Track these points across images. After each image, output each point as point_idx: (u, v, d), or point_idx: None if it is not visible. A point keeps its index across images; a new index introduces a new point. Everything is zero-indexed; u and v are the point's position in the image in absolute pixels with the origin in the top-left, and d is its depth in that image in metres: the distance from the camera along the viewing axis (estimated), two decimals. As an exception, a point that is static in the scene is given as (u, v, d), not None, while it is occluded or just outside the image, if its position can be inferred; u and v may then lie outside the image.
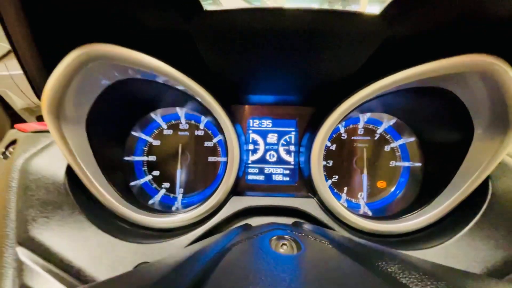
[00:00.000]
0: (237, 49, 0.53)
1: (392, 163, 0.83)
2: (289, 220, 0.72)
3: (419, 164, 0.80)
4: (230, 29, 0.48)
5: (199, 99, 0.63)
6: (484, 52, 0.49)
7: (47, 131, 0.65)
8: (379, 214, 0.80)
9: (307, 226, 0.61)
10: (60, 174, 0.62)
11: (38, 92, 0.55)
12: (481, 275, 0.29)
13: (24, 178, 0.61)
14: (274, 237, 0.46)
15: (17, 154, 0.66)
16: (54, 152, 0.64)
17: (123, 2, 0.44)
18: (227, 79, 0.65)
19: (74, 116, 0.59)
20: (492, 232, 0.60)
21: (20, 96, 2.67)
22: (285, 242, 0.45)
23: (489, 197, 0.62)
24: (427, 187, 0.76)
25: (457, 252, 0.60)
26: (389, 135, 0.84)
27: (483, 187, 0.63)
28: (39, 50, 0.48)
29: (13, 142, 0.76)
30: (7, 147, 0.76)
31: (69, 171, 0.62)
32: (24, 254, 0.57)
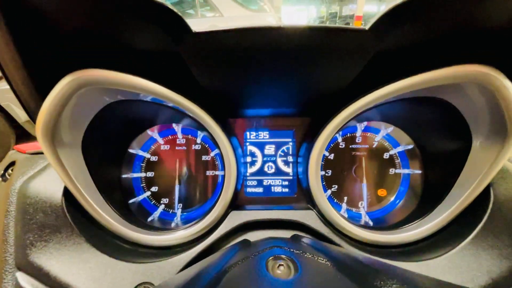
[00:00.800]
0: (229, 68, 0.53)
1: (392, 171, 0.83)
2: (289, 233, 0.71)
3: (419, 172, 0.79)
4: (219, 49, 0.48)
5: (193, 116, 0.63)
6: (478, 62, 0.49)
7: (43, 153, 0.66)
8: (381, 223, 0.79)
9: (305, 240, 0.60)
10: (57, 196, 0.62)
11: (32, 117, 0.56)
12: None
13: (22, 202, 0.61)
14: (271, 258, 0.45)
15: (15, 177, 0.66)
16: (51, 174, 0.65)
17: (113, 27, 0.45)
18: (220, 96, 0.65)
19: (69, 139, 0.59)
20: (495, 241, 0.59)
21: (23, 109, 2.70)
22: (282, 263, 0.44)
23: (491, 205, 0.61)
24: (427, 196, 0.75)
25: (461, 263, 0.59)
26: (387, 143, 0.83)
27: (485, 194, 0.62)
28: (30, 77, 0.49)
29: (13, 163, 0.77)
30: (6, 169, 0.77)
31: (66, 192, 0.62)
32: (23, 279, 0.57)
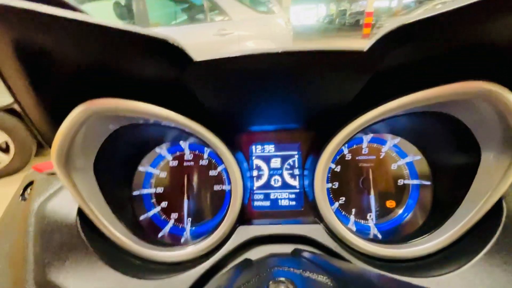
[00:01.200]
0: (231, 92, 0.54)
1: (400, 182, 0.81)
2: (295, 247, 0.72)
3: (428, 183, 0.77)
4: (221, 75, 0.49)
5: (198, 136, 0.65)
6: (482, 78, 0.48)
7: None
8: (390, 235, 0.78)
9: (306, 255, 0.60)
10: (72, 216, 0.65)
11: (48, 143, 0.59)
12: None
13: (40, 222, 0.65)
14: (271, 282, 0.46)
15: (33, 198, 0.70)
16: (66, 195, 0.68)
17: (119, 62, 0.47)
18: (225, 117, 0.67)
19: (82, 163, 0.62)
20: (509, 256, 0.57)
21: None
22: (282, 287, 0.44)
23: (504, 218, 0.59)
24: (437, 209, 0.73)
25: (474, 279, 0.57)
26: (394, 153, 0.82)
27: (497, 207, 0.60)
28: (45, 110, 0.52)
29: (31, 183, 0.81)
30: (25, 188, 0.81)
31: (80, 212, 0.65)
32: (41, 298, 0.60)
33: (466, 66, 0.49)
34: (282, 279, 0.45)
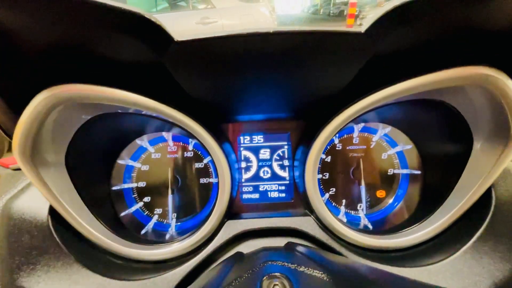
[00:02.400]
0: (216, 77, 0.49)
1: (391, 171, 0.81)
2: (286, 240, 0.69)
3: (418, 172, 0.77)
4: (205, 57, 0.45)
5: (181, 125, 0.60)
6: (479, 63, 0.46)
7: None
8: (380, 225, 0.78)
9: (300, 249, 0.58)
10: (42, 215, 0.59)
11: (9, 135, 0.52)
12: None
13: (6, 223, 0.58)
14: (265, 277, 0.43)
15: (-2, 196, 0.63)
16: (35, 192, 0.61)
17: (87, 40, 0.41)
18: (210, 105, 0.62)
19: (51, 157, 0.56)
20: (497, 244, 0.58)
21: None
22: (277, 282, 0.42)
23: (492, 207, 0.59)
24: (427, 198, 0.73)
25: (463, 268, 0.58)
26: (385, 143, 0.81)
27: (486, 196, 0.60)
28: (3, 94, 0.45)
29: (-4, 179, 0.73)
30: (-11, 185, 0.73)
31: (52, 211, 0.59)
32: (11, 305, 0.55)
33: (462, 51, 0.47)
34: (277, 274, 0.43)
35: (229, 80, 0.51)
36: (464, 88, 0.53)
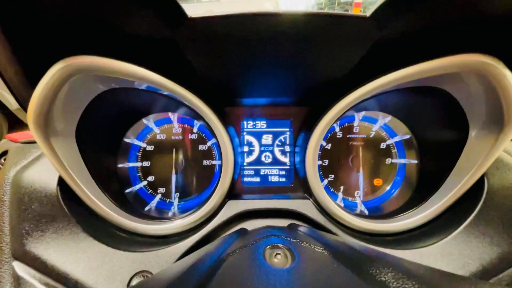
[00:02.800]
0: (225, 55, 0.51)
1: (388, 161, 0.83)
2: (285, 222, 0.72)
3: (415, 161, 0.80)
4: (216, 35, 0.46)
5: (189, 105, 0.62)
6: (478, 51, 0.48)
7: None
8: (376, 212, 0.81)
9: (302, 229, 0.61)
10: (52, 185, 0.62)
11: (23, 106, 0.54)
12: (473, 279, 0.29)
13: (16, 191, 0.61)
14: (268, 247, 0.46)
15: (8, 166, 0.65)
16: (45, 164, 0.64)
17: (103, 11, 0.43)
18: (217, 84, 0.64)
19: (63, 128, 0.58)
20: (487, 229, 0.60)
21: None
22: (279, 252, 0.44)
23: (484, 194, 0.62)
24: (423, 185, 0.76)
25: (453, 251, 0.60)
26: (384, 133, 0.83)
27: (479, 184, 0.62)
28: (21, 65, 0.47)
29: (5, 153, 0.75)
30: (-2, 158, 0.75)
31: (61, 182, 0.62)
32: (20, 269, 0.57)
33: (462, 38, 0.49)
34: (279, 245, 0.45)
35: (238, 58, 0.53)
36: (462, 76, 0.55)
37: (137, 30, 0.46)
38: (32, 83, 0.49)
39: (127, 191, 0.79)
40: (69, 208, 0.61)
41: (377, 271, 0.33)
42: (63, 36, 0.46)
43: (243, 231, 0.64)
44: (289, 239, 0.49)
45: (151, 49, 0.51)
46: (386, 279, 0.31)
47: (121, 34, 0.46)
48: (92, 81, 0.57)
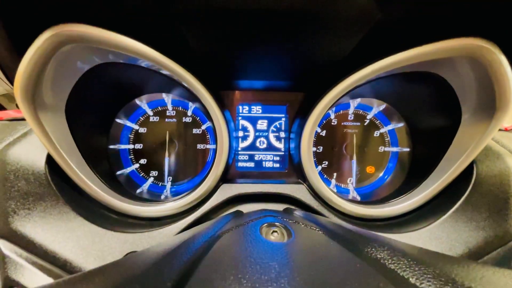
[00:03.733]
0: (223, 30, 0.50)
1: (381, 149, 0.84)
2: (279, 207, 0.72)
3: (408, 149, 0.81)
4: (215, 9, 0.45)
5: (186, 85, 0.61)
6: (475, 35, 0.49)
7: (24, 119, 0.62)
8: (368, 198, 0.82)
9: (297, 212, 0.61)
10: (40, 163, 0.59)
11: (10, 78, 0.51)
12: (465, 260, 0.30)
13: (1, 168, 0.58)
14: (265, 224, 0.46)
15: (-8, 143, 0.62)
16: (33, 141, 0.61)
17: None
18: (214, 63, 0.62)
19: (52, 103, 0.56)
20: (474, 214, 0.62)
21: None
22: (276, 229, 0.44)
23: (473, 180, 0.64)
24: (414, 172, 0.77)
25: (441, 234, 0.62)
26: (378, 121, 0.84)
27: (468, 171, 0.64)
28: (7, 32, 0.44)
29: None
30: (-19, 136, 0.72)
31: (50, 160, 0.59)
32: (6, 247, 0.55)
33: (459, 22, 0.49)
34: (276, 223, 0.45)
35: (234, 34, 0.51)
36: (457, 61, 0.56)
37: (134, 1, 0.44)
38: (19, 52, 0.47)
39: (118, 173, 0.78)
40: (58, 187, 0.59)
41: (373, 249, 0.34)
42: (53, 1, 0.44)
43: (239, 213, 0.64)
44: (285, 219, 0.49)
45: (148, 22, 0.49)
46: (382, 256, 0.31)
47: (117, 4, 0.44)
48: (86, 53, 0.54)
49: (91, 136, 0.69)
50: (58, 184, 0.60)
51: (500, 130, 0.76)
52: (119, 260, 0.34)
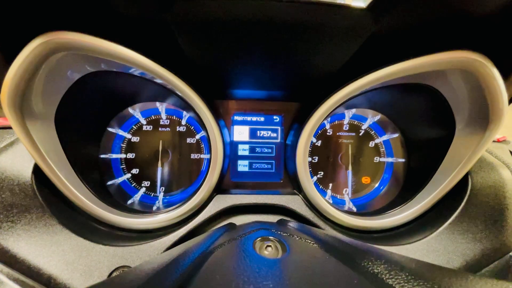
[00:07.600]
0: (219, 40, 0.50)
1: (376, 159, 0.84)
2: (274, 218, 0.71)
3: (403, 160, 0.81)
4: (211, 19, 0.45)
5: (180, 94, 0.60)
6: (467, 48, 0.49)
7: (11, 127, 0.60)
8: (364, 209, 0.81)
9: (292, 224, 0.60)
10: (26, 174, 0.57)
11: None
12: (463, 272, 0.29)
13: None
14: (259, 238, 0.44)
15: (-23, 152, 0.60)
16: (19, 150, 0.59)
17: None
18: (208, 72, 0.62)
19: (41, 111, 0.54)
20: (470, 226, 0.62)
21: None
22: (270, 244, 0.43)
23: (468, 192, 0.64)
24: (409, 183, 0.77)
25: (438, 247, 0.61)
26: (373, 131, 0.84)
27: (463, 182, 0.64)
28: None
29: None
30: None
31: (37, 170, 0.57)
32: (-14, 262, 0.52)
33: (454, 35, 0.50)
34: (270, 237, 0.44)
35: (229, 44, 0.51)
36: (449, 73, 0.56)
37: (128, 9, 0.43)
38: (8, 59, 0.45)
39: (109, 183, 0.75)
40: (44, 198, 0.57)
41: (370, 263, 0.33)
42: (44, 8, 0.43)
43: (232, 225, 0.62)
44: (279, 232, 0.48)
45: (142, 31, 0.48)
46: (379, 271, 0.30)
47: (108, 11, 0.44)
48: (78, 61, 0.53)
49: (81, 145, 0.67)
50: (45, 195, 0.58)
51: (493, 141, 0.77)
52: (105, 280, 0.32)
